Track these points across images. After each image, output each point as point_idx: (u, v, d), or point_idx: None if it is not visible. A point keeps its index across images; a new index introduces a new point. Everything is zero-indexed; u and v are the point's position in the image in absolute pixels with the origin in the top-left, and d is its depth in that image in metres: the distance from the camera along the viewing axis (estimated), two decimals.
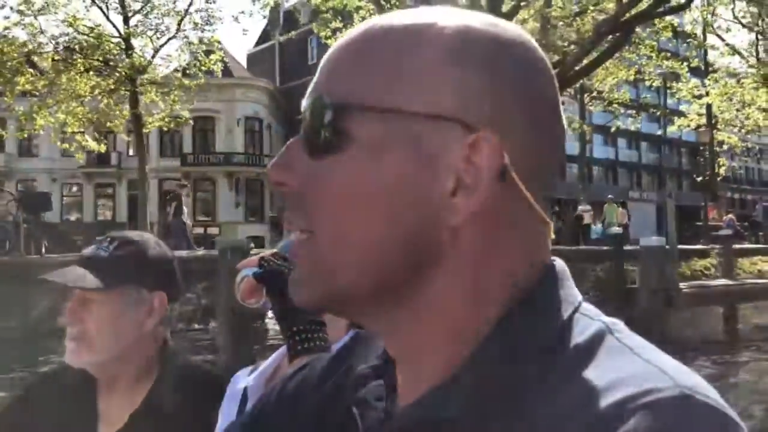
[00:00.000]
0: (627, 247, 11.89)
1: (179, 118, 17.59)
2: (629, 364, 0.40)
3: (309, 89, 0.45)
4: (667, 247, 10.73)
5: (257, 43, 41.18)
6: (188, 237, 13.67)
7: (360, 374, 0.51)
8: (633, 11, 11.67)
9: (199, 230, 29.20)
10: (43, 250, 11.68)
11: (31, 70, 15.69)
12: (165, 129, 18.13)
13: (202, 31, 17.20)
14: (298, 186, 0.45)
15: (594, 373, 0.39)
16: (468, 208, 0.42)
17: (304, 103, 0.45)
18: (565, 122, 0.48)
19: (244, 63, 37.14)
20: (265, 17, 17.70)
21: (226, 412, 1.06)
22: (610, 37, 12.14)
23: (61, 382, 1.27)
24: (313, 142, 0.44)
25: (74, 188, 31.45)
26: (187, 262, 11.63)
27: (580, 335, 0.43)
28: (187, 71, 17.29)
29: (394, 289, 0.44)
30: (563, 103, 0.49)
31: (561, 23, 14.07)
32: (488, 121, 0.42)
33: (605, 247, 13.13)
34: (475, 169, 0.42)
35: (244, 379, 1.09)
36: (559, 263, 0.48)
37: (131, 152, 30.54)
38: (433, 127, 0.42)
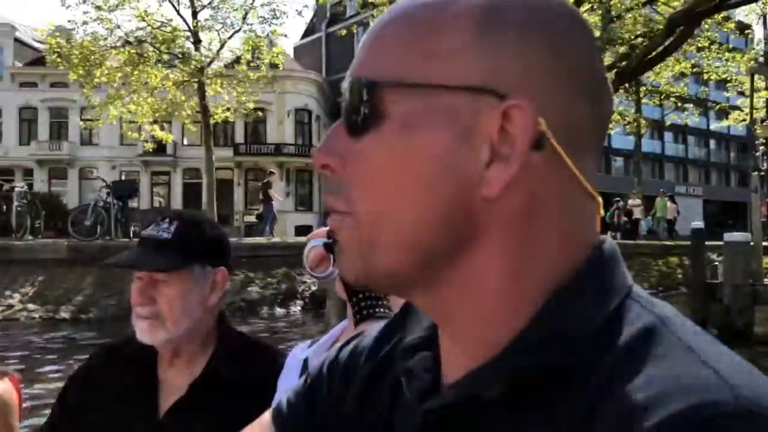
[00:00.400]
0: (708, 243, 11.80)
1: (244, 110, 18.23)
2: (684, 367, 0.36)
3: (348, 71, 0.46)
4: (751, 243, 10.67)
5: (303, 36, 41.74)
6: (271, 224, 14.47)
7: (409, 345, 0.51)
8: (707, 3, 11.63)
9: (251, 219, 30.11)
10: (131, 234, 12.33)
11: (107, 63, 16.44)
12: (230, 120, 18.75)
13: (270, 25, 17.75)
14: (341, 168, 0.45)
15: (645, 375, 0.36)
16: (502, 178, 0.41)
17: (344, 84, 0.46)
18: (612, 94, 0.46)
19: (290, 55, 37.70)
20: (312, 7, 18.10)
21: (286, 382, 1.11)
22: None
23: (123, 354, 1.33)
24: (351, 121, 0.44)
25: (132, 175, 32.52)
26: (267, 248, 12.20)
27: (630, 325, 0.40)
28: (251, 63, 17.85)
29: (435, 265, 0.43)
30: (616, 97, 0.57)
31: (629, 15, 14.11)
32: (521, 88, 0.41)
33: (679, 242, 12.99)
34: (510, 138, 0.41)
35: (304, 351, 1.14)
36: (609, 243, 0.46)
37: (185, 142, 31.53)
38: (465, 98, 0.42)
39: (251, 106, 18.40)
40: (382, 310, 0.92)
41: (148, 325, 1.22)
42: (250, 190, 31.50)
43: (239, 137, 32.17)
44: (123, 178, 29.77)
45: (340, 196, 0.45)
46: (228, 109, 18.03)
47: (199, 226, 1.29)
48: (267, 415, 0.62)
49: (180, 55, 16.98)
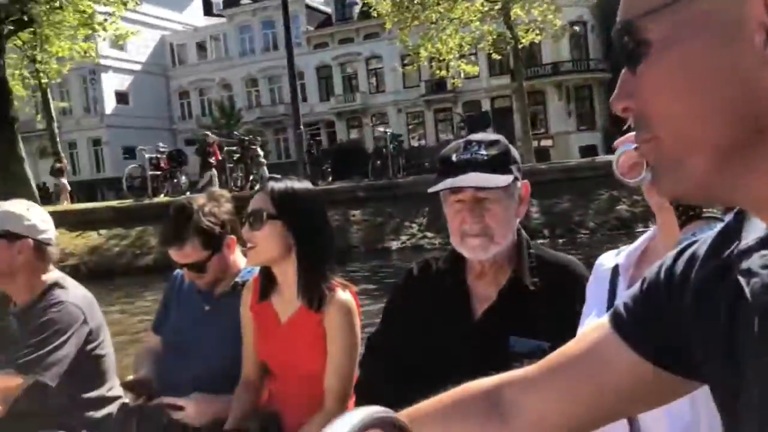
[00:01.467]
0: None
1: (552, 27, 17.86)
2: None
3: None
4: None
5: None
6: None
7: (747, 247, 0.51)
8: None
9: (533, 143, 29.98)
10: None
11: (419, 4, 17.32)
12: (537, 42, 18.62)
13: None
14: (635, 104, 0.48)
15: None
16: None
17: (612, 35, 0.49)
18: None
19: None
20: None
21: (595, 290, 1.14)
22: None
23: (435, 268, 1.46)
24: (627, 61, 0.48)
25: (417, 118, 34.60)
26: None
27: None
28: None
29: (741, 161, 0.44)
30: None
31: None
32: None
33: None
34: None
35: (611, 259, 1.15)
36: None
37: (462, 75, 32.37)
38: None
39: (558, 23, 17.91)
40: (704, 210, 0.90)
41: (480, 241, 1.30)
42: (530, 115, 31.23)
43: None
44: (408, 120, 31.68)
45: (641, 129, 0.50)
46: (533, 31, 17.81)
47: (505, 144, 1.37)
48: (603, 319, 0.65)
49: None
